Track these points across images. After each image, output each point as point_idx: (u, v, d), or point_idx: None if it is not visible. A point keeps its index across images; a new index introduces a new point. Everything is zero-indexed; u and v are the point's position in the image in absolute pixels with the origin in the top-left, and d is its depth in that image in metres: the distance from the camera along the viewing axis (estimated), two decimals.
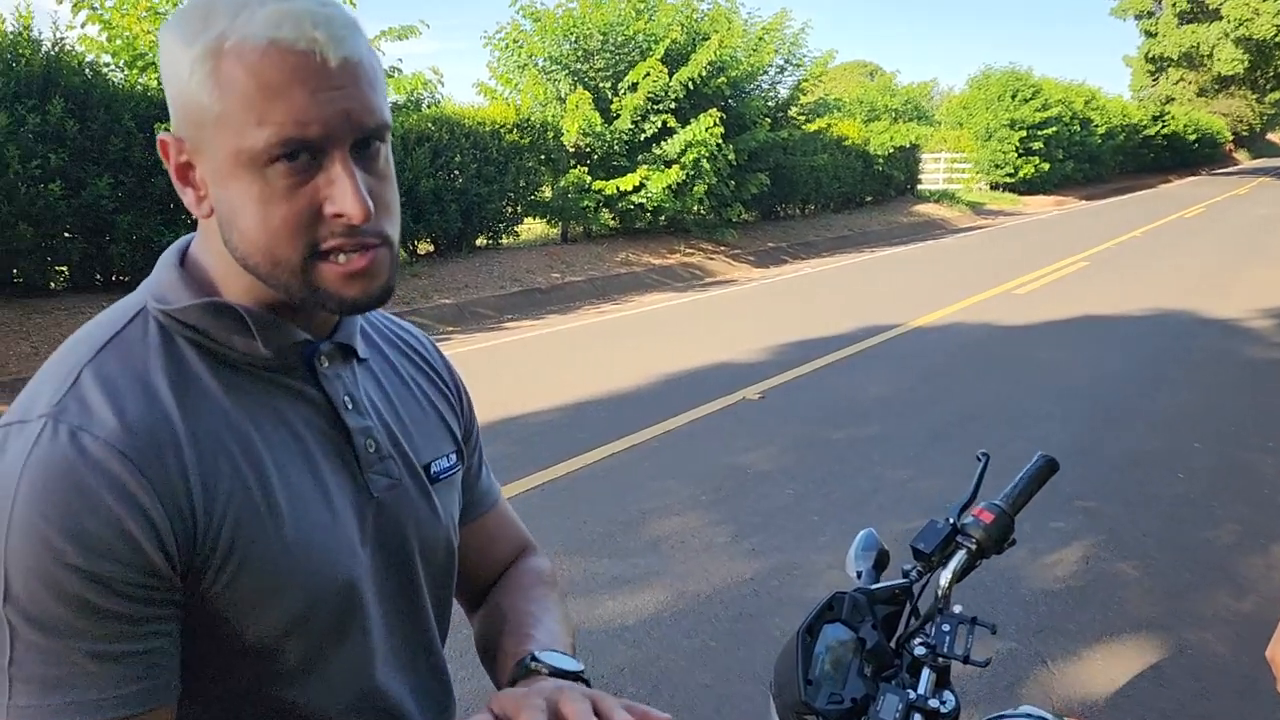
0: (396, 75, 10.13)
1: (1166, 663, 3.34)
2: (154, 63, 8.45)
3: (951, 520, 1.60)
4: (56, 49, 8.33)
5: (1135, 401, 6.55)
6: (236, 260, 0.83)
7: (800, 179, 17.95)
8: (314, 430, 0.91)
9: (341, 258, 0.81)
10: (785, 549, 4.17)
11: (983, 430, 5.87)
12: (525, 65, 13.91)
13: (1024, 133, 27.23)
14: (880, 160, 21.68)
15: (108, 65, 8.62)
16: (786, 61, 16.69)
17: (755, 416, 6.19)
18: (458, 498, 1.09)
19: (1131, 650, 3.41)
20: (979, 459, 1.73)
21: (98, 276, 8.74)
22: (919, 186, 24.94)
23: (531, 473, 5.04)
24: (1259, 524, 4.51)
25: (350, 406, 0.94)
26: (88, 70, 8.33)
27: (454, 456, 1.07)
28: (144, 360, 0.83)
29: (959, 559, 1.56)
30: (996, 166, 27.53)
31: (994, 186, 27.73)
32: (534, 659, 0.95)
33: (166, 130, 0.84)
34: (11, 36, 8.11)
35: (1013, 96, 27.86)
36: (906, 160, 23.33)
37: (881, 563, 1.69)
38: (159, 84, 8.57)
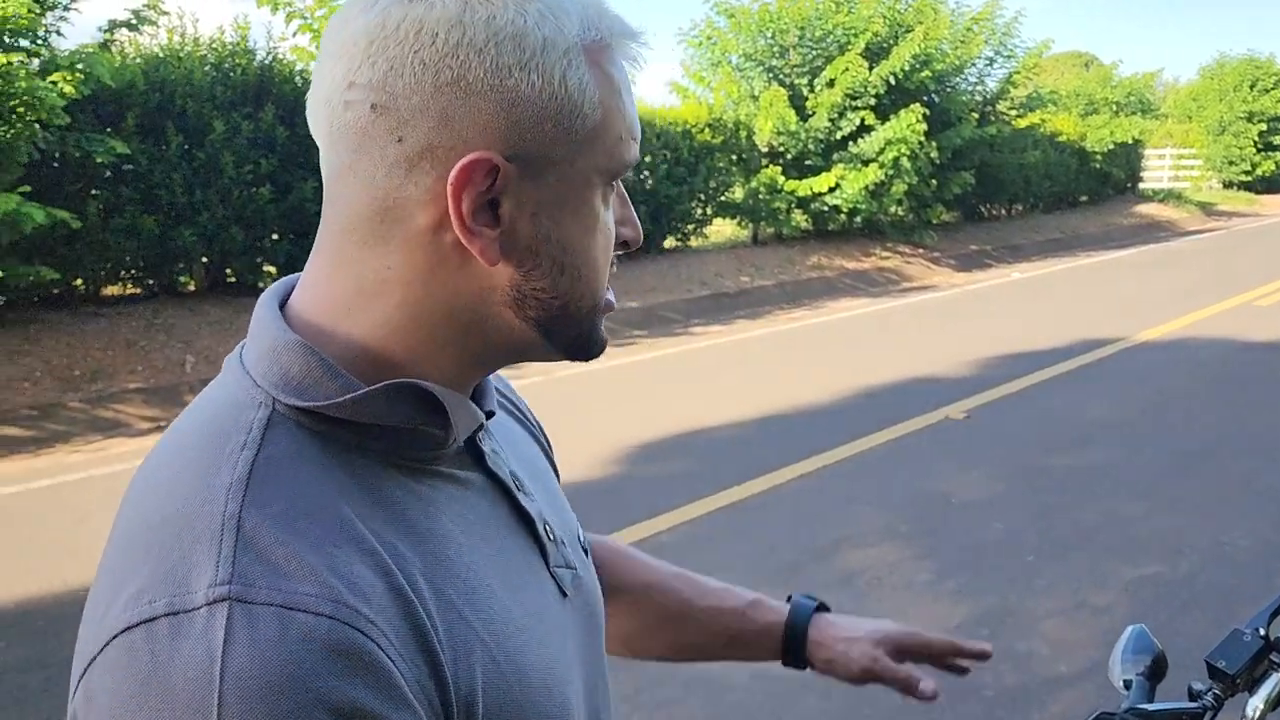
0: None
1: None
2: None
3: (1262, 631, 1.22)
4: (270, 58, 8.72)
5: None
6: (533, 311, 0.64)
7: (1008, 177, 16.95)
8: (501, 529, 0.70)
9: (609, 292, 0.69)
10: (995, 592, 3.75)
11: (1228, 461, 5.19)
12: (719, 63, 13.69)
13: (1263, 126, 24.93)
14: (1098, 157, 20.23)
15: None
16: (996, 53, 15.80)
17: (959, 438, 5.71)
18: None
19: None
20: None
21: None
22: (1141, 185, 23.19)
23: (714, 493, 4.78)
24: None
25: (518, 488, 0.72)
26: (298, 78, 8.67)
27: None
28: (317, 485, 0.58)
29: (1274, 684, 1.19)
30: (1230, 163, 25.31)
31: (1227, 185, 25.50)
32: (803, 596, 1.06)
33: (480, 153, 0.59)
34: (230, 47, 8.53)
35: (1251, 86, 25.54)
36: (1127, 157, 21.71)
37: (1158, 671, 1.33)
38: None
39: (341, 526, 0.57)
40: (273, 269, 9.01)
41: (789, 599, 1.04)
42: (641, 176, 11.74)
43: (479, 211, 0.60)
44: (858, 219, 14.06)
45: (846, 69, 13.03)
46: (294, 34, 8.91)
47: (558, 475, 0.91)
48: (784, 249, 13.37)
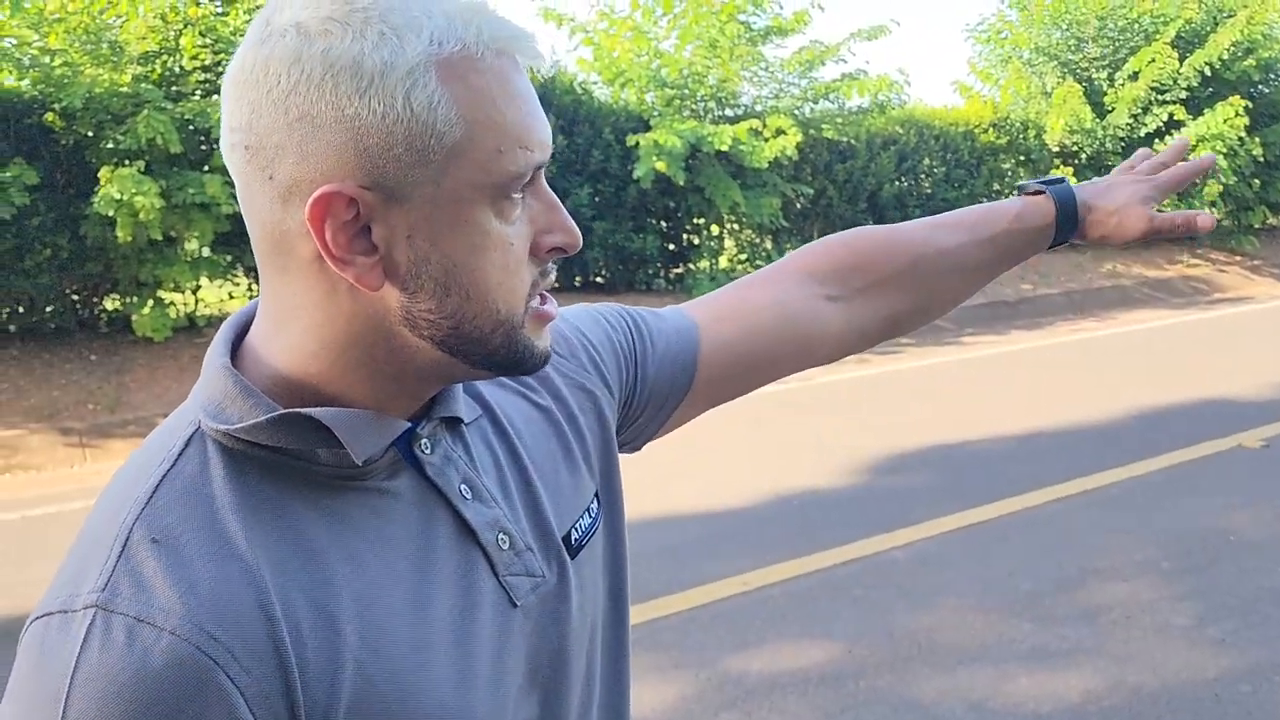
0: (862, 78, 9.96)
1: None
2: (632, 80, 9.06)
3: None
4: (553, 71, 9.24)
5: None
6: (425, 331, 0.64)
7: None
8: (431, 539, 0.70)
9: (544, 302, 0.68)
10: (1268, 645, 3.34)
11: None
12: (1008, 58, 12.99)
13: None
14: None
15: (595, 83, 9.41)
16: None
17: (1251, 469, 5.12)
18: (599, 549, 0.85)
19: None
20: None
21: (576, 278, 9.58)
22: None
23: (957, 510, 4.57)
24: None
25: (469, 496, 0.72)
26: (577, 88, 9.14)
27: (595, 506, 0.84)
28: (209, 503, 0.62)
29: None
30: None
31: None
32: (1042, 183, 1.08)
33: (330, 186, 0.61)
34: None
35: None
36: None
37: None
38: (638, 98, 9.18)
39: (222, 543, 0.61)
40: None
41: (1035, 191, 1.08)
42: (917, 179, 11.39)
43: (354, 240, 0.61)
44: None
45: (1153, 60, 11.98)
46: (575, 47, 9.39)
47: (599, 464, 0.87)
48: (1074, 255, 12.48)
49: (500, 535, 0.73)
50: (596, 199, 9.07)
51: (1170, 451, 5.35)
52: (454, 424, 0.74)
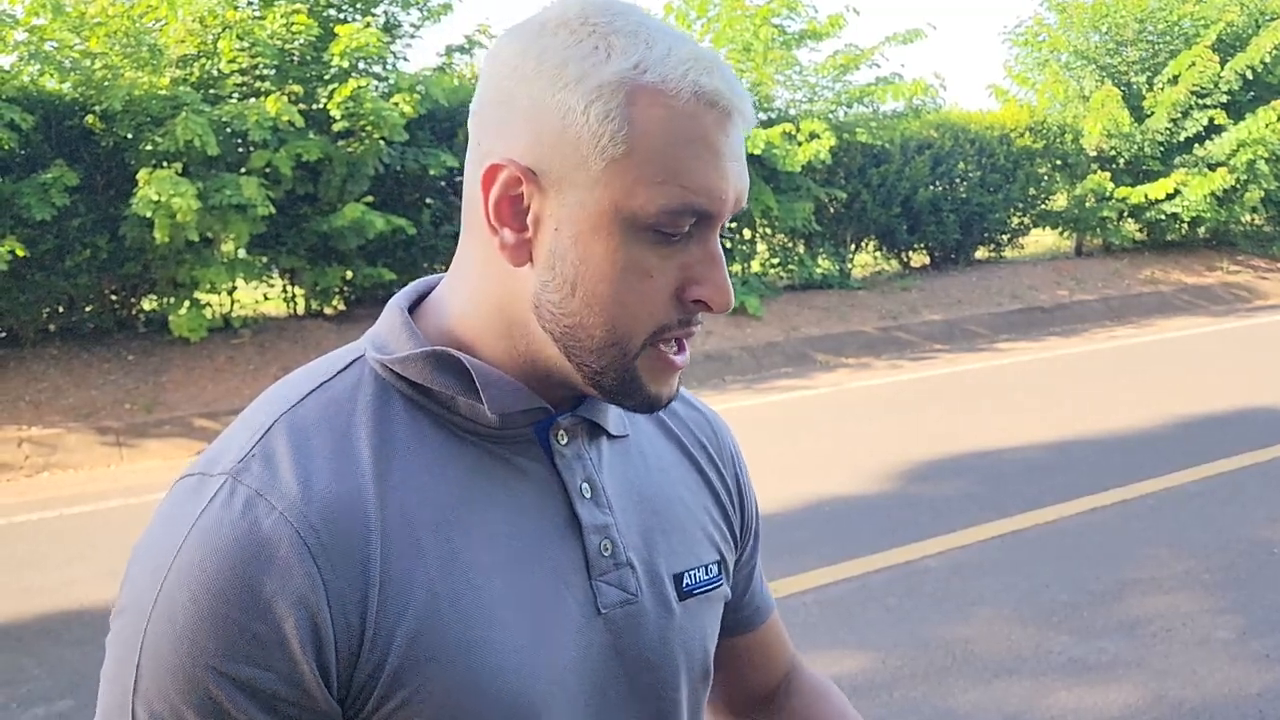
0: (896, 82, 9.88)
1: None
2: None
3: None
4: None
5: None
6: (545, 321, 0.69)
7: None
8: (539, 521, 0.73)
9: (673, 348, 0.70)
10: None
11: None
12: (1046, 62, 12.85)
13: None
14: None
15: None
16: None
17: None
18: (717, 617, 0.87)
19: None
20: None
21: None
22: None
23: (992, 519, 4.51)
24: None
25: (588, 495, 0.75)
26: None
27: (715, 569, 0.85)
28: (349, 417, 0.69)
29: None
30: None
31: None
32: None
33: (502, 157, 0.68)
34: None
35: None
36: None
37: None
38: None
39: (347, 455, 0.67)
40: None
41: None
42: (953, 184, 11.28)
43: (512, 214, 0.68)
44: (1202, 229, 12.70)
45: (1194, 64, 11.80)
46: None
47: (738, 529, 0.91)
48: (1111, 261, 12.34)
49: (604, 541, 0.75)
50: None
51: (1210, 462, 5.26)
52: (597, 432, 0.78)
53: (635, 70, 0.64)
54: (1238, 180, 11.93)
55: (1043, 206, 12.37)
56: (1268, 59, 11.95)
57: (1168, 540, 4.26)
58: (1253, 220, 13.06)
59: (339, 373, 0.71)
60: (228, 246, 7.67)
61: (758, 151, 8.74)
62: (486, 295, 0.71)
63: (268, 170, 7.37)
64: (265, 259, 7.91)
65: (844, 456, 5.58)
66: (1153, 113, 12.17)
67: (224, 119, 7.15)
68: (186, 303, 7.48)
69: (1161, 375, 7.62)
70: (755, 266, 10.42)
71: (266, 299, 8.63)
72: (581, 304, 0.67)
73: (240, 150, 7.57)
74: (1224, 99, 12.06)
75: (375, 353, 0.71)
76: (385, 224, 7.55)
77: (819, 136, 9.22)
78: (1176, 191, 11.91)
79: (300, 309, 8.61)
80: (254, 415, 0.70)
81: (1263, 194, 12.22)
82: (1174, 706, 3.00)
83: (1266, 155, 11.89)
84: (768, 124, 9.61)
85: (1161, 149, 12.27)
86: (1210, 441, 5.62)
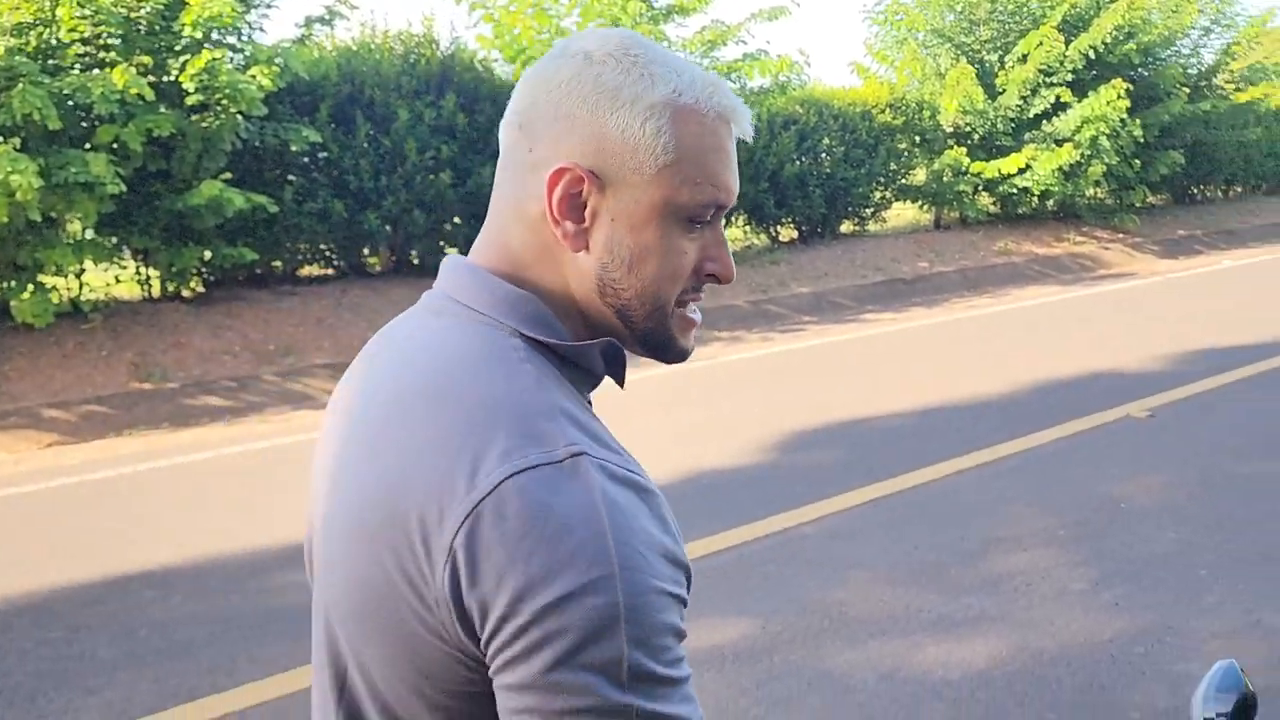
0: (763, 58, 10.01)
1: None
2: (534, 57, 8.95)
3: None
4: (453, 48, 9.06)
5: None
6: (607, 294, 0.84)
7: (1224, 157, 15.67)
8: None
9: (694, 309, 0.88)
10: (1158, 607, 3.49)
11: None
12: (904, 40, 13.24)
13: None
14: None
15: (495, 60, 9.26)
16: (1214, 22, 14.59)
17: (1139, 439, 5.34)
18: None
19: None
20: None
21: None
22: None
23: (863, 484, 4.66)
24: None
25: None
26: (478, 66, 8.98)
27: None
28: (559, 385, 0.81)
29: None
30: None
31: None
32: None
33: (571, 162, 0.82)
34: (417, 38, 8.93)
35: None
36: None
37: (1245, 714, 1.21)
38: None
39: (588, 420, 0.80)
40: (454, 251, 9.40)
41: None
42: (818, 159, 11.53)
43: (570, 209, 0.81)
44: (1050, 202, 13.34)
45: (1041, 43, 12.35)
46: (475, 24, 9.23)
47: None
48: (967, 233, 12.85)
49: None
50: None
51: (1063, 423, 5.55)
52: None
53: (674, 94, 0.81)
54: (1082, 155, 12.56)
55: (903, 181, 12.77)
56: (1109, 39, 12.59)
57: (1026, 499, 4.48)
58: (1096, 194, 13.78)
59: (527, 354, 0.81)
60: (74, 227, 7.24)
61: None
62: (553, 280, 0.84)
63: (116, 146, 6.97)
64: (115, 239, 7.51)
65: (720, 429, 5.67)
66: (1004, 90, 12.68)
67: (66, 91, 6.72)
68: (30, 287, 7.03)
69: (1016, 342, 7.99)
70: None
71: (119, 281, 8.20)
72: (637, 279, 0.83)
73: (85, 125, 7.15)
74: (1069, 77, 12.65)
75: (539, 334, 0.82)
76: (245, 202, 7.26)
77: None
78: (1027, 166, 12.47)
79: (155, 291, 8.21)
80: (523, 403, 0.76)
81: (1105, 169, 12.90)
82: (1034, 655, 3.17)
83: (1108, 131, 12.54)
84: None
85: (1013, 125, 12.81)
86: (1063, 404, 5.93)
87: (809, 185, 11.36)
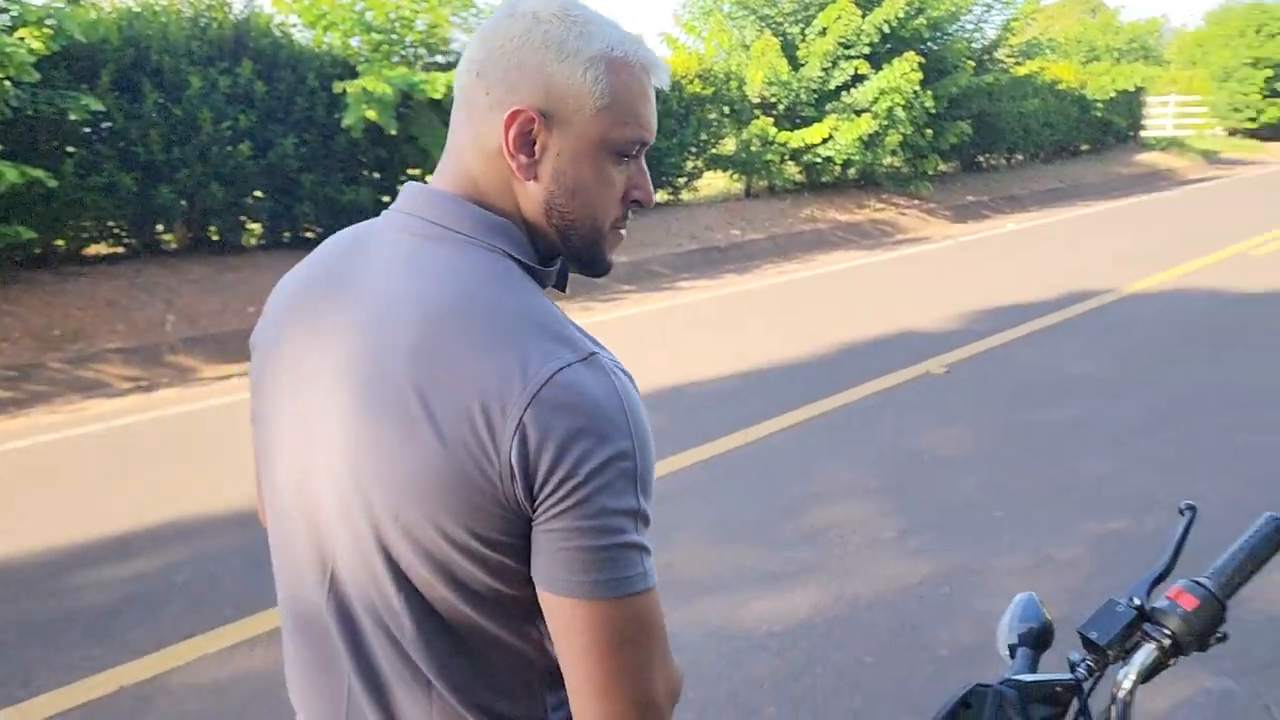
0: None
1: None
2: (335, 23, 8.59)
3: (1138, 602, 1.20)
4: (247, 12, 8.57)
5: None
6: (553, 216, 0.98)
7: (1006, 127, 16.74)
8: None
9: (623, 230, 1.03)
10: (960, 549, 3.73)
11: (1204, 416, 5.15)
12: (710, 11, 13.46)
13: (1270, 72, 24.55)
14: (1099, 105, 19.96)
15: (294, 26, 8.83)
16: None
17: (938, 393, 5.68)
18: None
19: None
20: (1182, 513, 1.30)
21: (286, 234, 9.03)
22: (1143, 134, 22.89)
23: (687, 448, 4.77)
24: None
25: None
26: (276, 31, 8.54)
27: None
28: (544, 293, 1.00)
29: (1146, 655, 1.17)
30: (1235, 110, 24.99)
31: (1232, 133, 25.18)
32: None
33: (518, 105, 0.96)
34: (208, 1, 8.39)
35: (1257, 31, 25.13)
36: (1129, 105, 21.42)
37: (1043, 641, 1.31)
38: (342, 43, 8.73)
39: (573, 322, 0.96)
40: (256, 226, 8.94)
41: None
42: None
43: (523, 144, 0.96)
44: (851, 170, 13.91)
45: (839, 16, 12.81)
46: None
47: None
48: (776, 202, 13.25)
49: None
50: (303, 149, 8.54)
51: (870, 380, 5.83)
52: None
53: (608, 48, 0.96)
54: (880, 126, 13.15)
55: (714, 150, 13.01)
56: (900, 14, 13.19)
57: (839, 456, 4.69)
58: (893, 163, 14.46)
59: (520, 272, 0.96)
60: None
61: (439, 96, 8.53)
62: (512, 206, 0.99)
63: None
64: None
65: None
66: (806, 62, 13.10)
67: None
68: None
69: (824, 306, 8.33)
70: None
71: None
72: (578, 204, 0.98)
73: None
74: (866, 50, 13.20)
75: (523, 257, 0.98)
76: (19, 175, 6.66)
77: None
78: (829, 136, 12.95)
79: None
80: (544, 315, 0.93)
81: (901, 138, 13.55)
82: (851, 602, 3.33)
83: (903, 103, 13.17)
84: (447, 67, 9.40)
85: (815, 96, 13.27)
86: (868, 363, 6.22)
87: None
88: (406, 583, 0.93)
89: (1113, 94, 20.11)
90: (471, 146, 0.98)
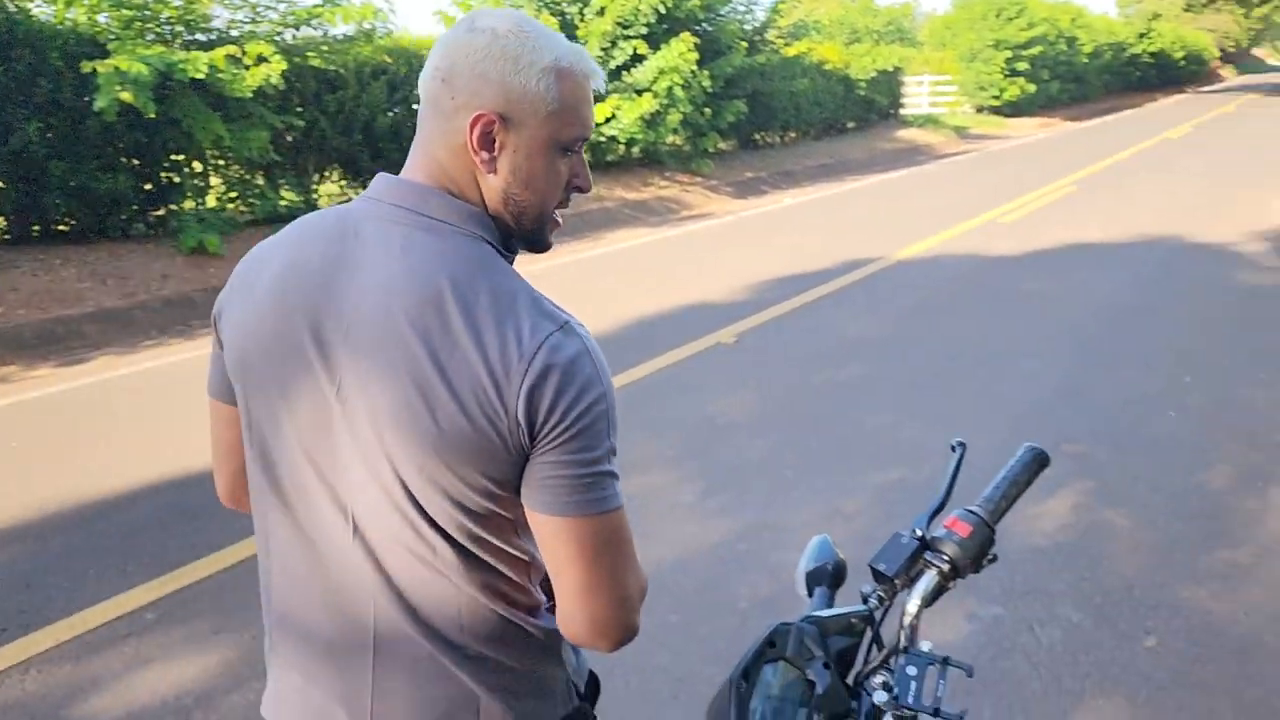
0: (344, 4, 9.59)
1: (1159, 625, 3.09)
2: None
3: (919, 533, 1.29)
4: None
5: (1124, 335, 6.28)
6: (509, 205, 1.14)
7: (779, 105, 17.42)
8: None
9: (559, 215, 1.20)
10: (755, 507, 3.90)
11: (967, 370, 5.59)
12: None
13: (1009, 53, 26.58)
14: (862, 85, 21.10)
15: (34, 3, 8.05)
16: None
17: (729, 362, 5.89)
18: None
19: (1119, 610, 3.17)
20: (953, 449, 1.41)
21: (35, 228, 8.26)
22: (903, 111, 24.38)
23: None
24: (1253, 464, 4.26)
25: None
26: (11, 6, 7.77)
27: None
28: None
29: (928, 581, 1.26)
30: (981, 89, 26.93)
31: (979, 109, 27.18)
32: None
33: (480, 111, 1.12)
34: None
35: (997, 15, 27.16)
36: (889, 84, 22.74)
37: (838, 579, 1.40)
38: (89, 19, 8.07)
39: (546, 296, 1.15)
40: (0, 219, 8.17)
41: None
42: (411, 110, 11.32)
43: (484, 142, 1.12)
44: (635, 149, 14.12)
45: None
46: None
47: None
48: None
49: None
50: (49, 135, 7.82)
51: (664, 353, 5.97)
52: None
53: (556, 60, 1.13)
54: (661, 105, 13.40)
55: None
56: None
57: (637, 427, 4.78)
58: (675, 141, 14.77)
59: (504, 262, 1.13)
60: None
61: (201, 76, 8.02)
62: (476, 196, 1.14)
63: None
64: None
65: None
66: (586, 41, 13.17)
67: None
68: None
69: (616, 283, 8.44)
70: (211, 201, 9.66)
71: None
72: (531, 193, 1.15)
73: None
74: (644, 30, 13.40)
75: (496, 242, 1.14)
76: None
77: (268, 60, 8.69)
78: (613, 115, 13.09)
79: None
80: (528, 292, 1.11)
81: (681, 117, 13.85)
82: (657, 565, 3.42)
83: (681, 82, 13.46)
84: (208, 45, 8.86)
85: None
86: (662, 337, 6.37)
87: (404, 137, 11.11)
88: (429, 516, 1.11)
89: (874, 73, 21.29)
90: (441, 143, 1.14)
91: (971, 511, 1.29)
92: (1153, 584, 3.33)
